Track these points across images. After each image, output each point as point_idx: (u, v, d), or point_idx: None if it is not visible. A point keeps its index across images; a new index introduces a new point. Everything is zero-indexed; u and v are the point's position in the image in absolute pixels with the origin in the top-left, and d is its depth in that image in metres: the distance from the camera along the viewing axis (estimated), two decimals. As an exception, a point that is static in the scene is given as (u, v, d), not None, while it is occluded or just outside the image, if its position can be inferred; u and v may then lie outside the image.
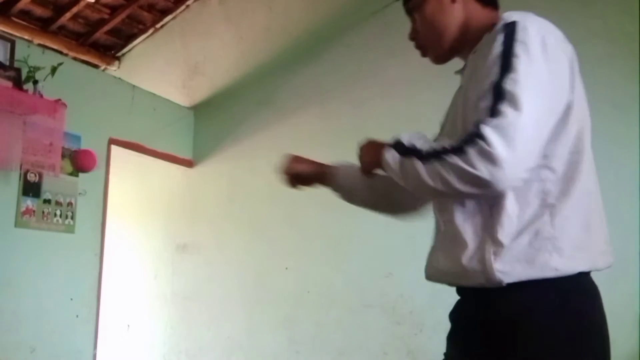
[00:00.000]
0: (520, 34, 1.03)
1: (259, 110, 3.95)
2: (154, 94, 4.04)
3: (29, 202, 3.01)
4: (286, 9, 4.01)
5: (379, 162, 1.14)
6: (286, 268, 3.65)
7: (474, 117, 1.01)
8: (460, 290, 1.18)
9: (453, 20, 1.22)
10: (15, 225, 2.95)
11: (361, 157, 1.24)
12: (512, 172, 0.96)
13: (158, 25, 4.60)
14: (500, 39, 1.04)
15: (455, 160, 0.98)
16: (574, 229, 1.04)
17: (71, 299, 3.20)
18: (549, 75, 1.02)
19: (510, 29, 1.04)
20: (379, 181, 1.33)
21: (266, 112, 3.91)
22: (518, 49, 1.01)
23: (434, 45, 1.26)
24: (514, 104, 0.96)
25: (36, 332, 2.99)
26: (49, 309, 3.07)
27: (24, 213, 2.99)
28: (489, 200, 1.05)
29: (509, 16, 1.09)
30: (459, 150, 0.98)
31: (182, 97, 4.34)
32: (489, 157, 0.94)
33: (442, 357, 1.24)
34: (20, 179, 2.98)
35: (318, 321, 3.48)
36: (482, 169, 0.95)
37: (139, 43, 4.70)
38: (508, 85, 0.98)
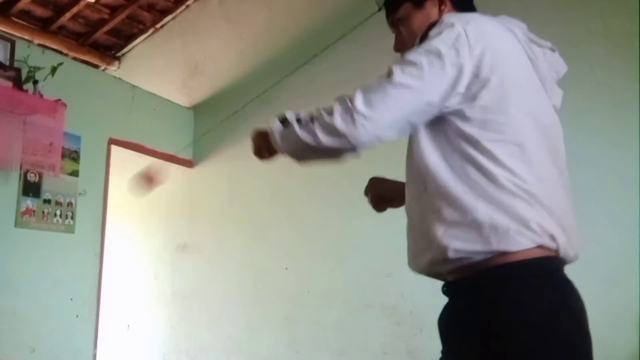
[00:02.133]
0: (436, 28, 1.13)
1: (259, 110, 3.95)
2: (154, 94, 4.04)
3: (29, 202, 3.01)
4: (286, 9, 4.01)
5: (269, 146, 1.27)
6: (286, 268, 3.65)
7: None
8: (447, 291, 1.20)
9: None
10: (15, 225, 2.95)
11: (253, 146, 1.36)
12: (366, 129, 1.08)
13: (158, 25, 4.60)
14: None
15: (324, 116, 1.13)
16: (521, 205, 1.06)
17: (71, 299, 3.20)
18: (439, 59, 1.08)
19: (432, 25, 1.16)
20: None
21: (266, 112, 3.90)
22: (427, 37, 1.13)
23: None
24: (389, 75, 1.10)
25: (36, 332, 2.99)
26: (49, 309, 3.07)
27: (24, 213, 2.99)
28: (431, 185, 1.12)
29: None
30: (329, 108, 1.13)
31: (182, 97, 4.34)
32: (349, 112, 1.09)
33: (440, 356, 1.24)
34: (20, 179, 2.98)
35: (318, 321, 3.47)
36: (340, 123, 1.09)
37: (139, 43, 4.70)
38: (393, 64, 1.11)
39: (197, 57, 4.39)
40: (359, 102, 1.09)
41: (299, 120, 1.19)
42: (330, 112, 1.12)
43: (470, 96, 1.10)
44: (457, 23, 1.11)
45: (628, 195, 2.58)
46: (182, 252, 4.14)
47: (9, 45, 3.02)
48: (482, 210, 1.06)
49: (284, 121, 1.22)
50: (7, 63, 2.96)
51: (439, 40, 1.10)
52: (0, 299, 2.86)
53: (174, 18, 4.57)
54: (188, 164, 4.22)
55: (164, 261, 4.20)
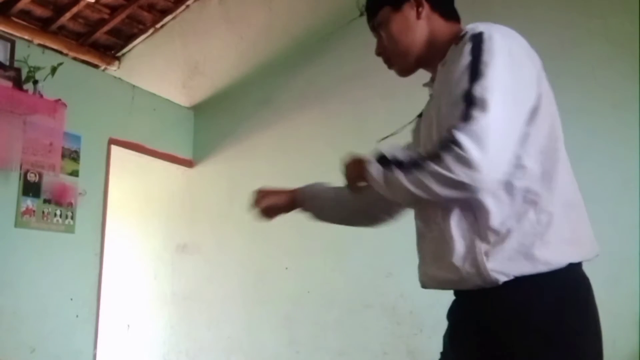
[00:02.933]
0: (487, 43, 1.07)
1: (259, 110, 3.95)
2: (154, 94, 4.04)
3: (29, 202, 3.01)
4: (286, 9, 4.01)
5: (363, 177, 1.18)
6: (286, 268, 3.65)
7: (446, 125, 1.05)
8: (457, 291, 1.19)
9: (418, 36, 1.26)
10: (15, 225, 2.95)
11: (346, 174, 1.27)
12: (488, 173, 1.00)
13: (158, 25, 4.60)
14: (468, 49, 1.08)
15: (433, 167, 1.02)
16: (559, 222, 1.07)
17: (71, 299, 3.20)
18: (514, 81, 1.06)
19: (477, 40, 1.09)
20: (353, 197, 1.40)
21: (266, 112, 3.91)
22: (485, 57, 1.06)
23: (400, 60, 1.31)
24: (484, 108, 1.00)
25: (36, 332, 2.99)
26: (49, 309, 3.07)
27: (24, 213, 2.99)
28: (471, 204, 1.08)
29: (475, 27, 1.13)
30: (435, 156, 1.03)
31: (182, 97, 4.34)
32: (465, 161, 0.99)
33: (439, 356, 1.24)
34: (20, 179, 2.98)
35: (318, 321, 3.47)
36: (460, 173, 1.00)
37: (139, 43, 4.70)
38: (477, 91, 1.02)
39: (197, 57, 4.39)
40: (471, 151, 0.99)
41: (400, 164, 1.09)
42: (441, 164, 1.02)
43: (534, 121, 1.10)
44: (505, 44, 1.09)
45: (628, 195, 2.58)
46: (182, 252, 4.14)
47: (9, 45, 3.02)
48: (517, 239, 1.06)
49: (381, 158, 1.13)
50: (7, 63, 2.96)
51: (506, 60, 1.07)
52: (0, 299, 2.86)
53: (174, 18, 4.57)
54: (188, 164, 4.22)
55: (164, 261, 4.20)
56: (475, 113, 1.00)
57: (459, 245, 1.09)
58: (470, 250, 1.07)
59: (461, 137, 0.99)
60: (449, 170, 1.00)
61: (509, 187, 1.07)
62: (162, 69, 4.53)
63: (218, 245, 3.99)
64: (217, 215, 4.04)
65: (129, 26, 4.57)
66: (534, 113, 1.09)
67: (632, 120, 2.62)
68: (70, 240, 3.21)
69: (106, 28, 4.45)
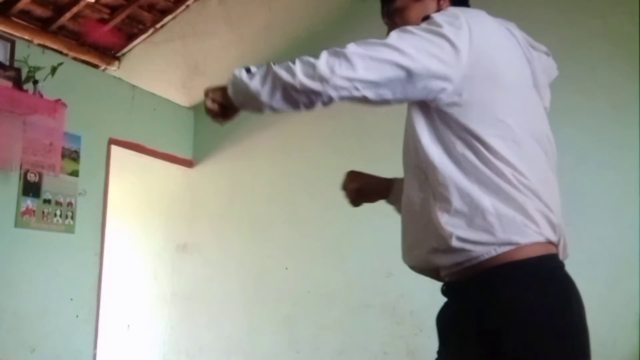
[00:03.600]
0: (439, 14, 1.14)
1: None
2: (154, 94, 4.04)
3: (29, 202, 3.01)
4: (286, 9, 4.01)
5: (227, 95, 1.25)
6: (286, 268, 3.65)
7: None
8: (444, 292, 1.20)
9: None
10: (15, 225, 2.95)
11: (208, 102, 1.31)
12: (347, 73, 1.06)
13: (158, 25, 4.60)
14: None
15: (307, 57, 1.11)
16: (509, 189, 1.08)
17: (71, 299, 3.20)
18: (440, 39, 1.08)
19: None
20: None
21: (266, 112, 3.90)
22: (430, 19, 1.12)
23: None
24: (389, 38, 1.08)
25: (36, 332, 2.99)
26: (49, 309, 3.07)
27: (24, 213, 2.99)
28: (421, 166, 1.13)
29: None
30: (315, 54, 1.11)
31: (182, 97, 4.34)
32: (335, 53, 1.08)
33: (435, 356, 1.24)
34: (20, 179, 2.98)
35: (318, 321, 3.48)
36: (322, 62, 1.07)
37: (139, 43, 4.70)
38: (398, 29, 1.10)
39: (197, 57, 4.39)
40: (349, 48, 1.08)
41: (275, 64, 1.17)
42: (316, 55, 1.11)
43: (469, 89, 1.09)
44: (461, 15, 1.12)
45: (628, 195, 2.58)
46: (182, 252, 4.14)
47: (9, 45, 3.02)
48: (487, 200, 1.06)
49: (249, 70, 1.21)
50: (7, 63, 2.96)
51: (443, 24, 1.09)
52: (0, 299, 2.86)
53: (174, 18, 4.56)
54: (188, 164, 4.22)
55: (164, 261, 4.20)
56: (376, 40, 1.09)
57: (417, 206, 1.15)
58: (425, 207, 1.12)
59: (350, 44, 1.09)
60: (319, 59, 1.08)
61: (451, 140, 1.10)
62: (162, 69, 4.53)
63: (218, 245, 3.99)
64: (217, 215, 4.04)
65: (129, 26, 4.57)
66: (462, 83, 1.09)
67: (632, 120, 2.62)
68: (70, 240, 3.21)
69: (106, 28, 4.44)
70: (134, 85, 3.88)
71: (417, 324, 3.10)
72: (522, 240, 1.05)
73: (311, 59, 1.10)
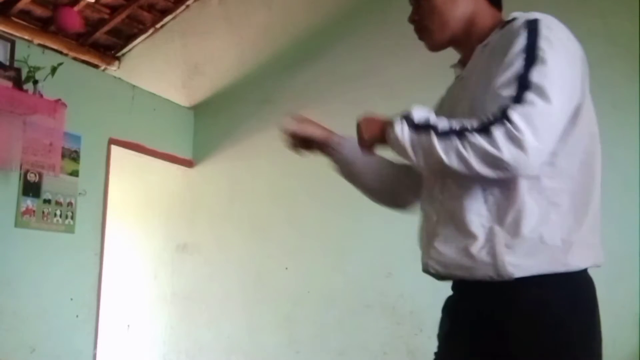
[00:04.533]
0: (544, 31, 1.04)
1: (259, 110, 3.95)
2: (154, 94, 4.04)
3: (29, 202, 3.01)
4: (286, 9, 4.01)
5: (382, 138, 1.11)
6: (286, 268, 3.65)
7: (494, 104, 1.00)
8: (459, 287, 1.18)
9: (461, 12, 1.22)
10: (15, 225, 2.95)
11: (361, 132, 1.17)
12: (534, 160, 0.96)
13: (158, 25, 4.60)
14: (524, 33, 1.05)
15: (479, 139, 0.97)
16: (582, 226, 1.06)
17: (71, 299, 3.20)
18: (570, 74, 1.04)
19: (534, 25, 1.06)
20: (385, 166, 1.34)
21: (266, 112, 3.91)
22: (543, 44, 1.02)
23: (435, 32, 1.25)
24: (542, 95, 0.97)
25: (36, 332, 2.99)
26: (49, 309, 3.07)
27: (24, 213, 2.99)
28: (495, 190, 1.05)
29: (528, 14, 1.10)
30: (483, 130, 0.97)
31: (182, 97, 4.34)
32: (516, 142, 0.94)
33: (433, 356, 1.23)
34: (20, 179, 2.98)
35: (318, 321, 3.47)
36: (506, 152, 0.95)
37: (139, 43, 4.70)
38: (535, 77, 0.98)
39: (197, 57, 4.39)
40: (523, 128, 0.94)
41: (434, 129, 1.02)
42: (490, 139, 0.96)
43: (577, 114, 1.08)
44: (562, 28, 1.10)
45: (628, 195, 2.58)
46: (182, 252, 4.14)
47: (9, 45, 3.02)
48: (558, 237, 1.04)
49: (409, 120, 1.06)
50: (7, 63, 2.96)
51: (563, 48, 1.05)
52: (0, 299, 2.86)
53: (174, 18, 4.56)
54: (188, 164, 4.22)
55: (164, 261, 4.20)
56: (532, 98, 0.96)
57: (477, 231, 1.06)
58: (490, 238, 1.04)
59: (516, 117, 0.95)
60: (496, 146, 0.95)
61: (537, 182, 1.04)
62: (162, 69, 4.53)
63: (218, 245, 3.99)
64: (217, 215, 4.04)
65: (129, 26, 4.57)
66: (577, 112, 1.07)
67: (632, 120, 2.62)
68: (70, 240, 3.21)
69: (106, 28, 4.44)
70: (134, 85, 3.88)
71: (417, 324, 3.10)
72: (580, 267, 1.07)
73: (486, 144, 0.96)
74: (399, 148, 1.07)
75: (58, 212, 3.15)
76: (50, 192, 3.12)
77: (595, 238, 1.10)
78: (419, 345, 3.06)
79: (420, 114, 1.06)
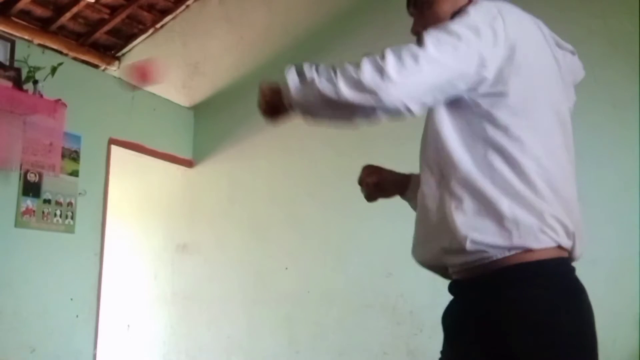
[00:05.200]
0: (469, 8, 1.12)
1: (259, 110, 3.95)
2: (154, 94, 4.04)
3: (29, 202, 3.01)
4: (286, 9, 4.01)
5: (278, 95, 1.17)
6: (286, 268, 3.65)
7: None
8: (452, 290, 1.19)
9: None
10: (15, 225, 2.95)
11: (261, 98, 1.25)
12: (396, 90, 1.03)
13: (158, 25, 4.60)
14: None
15: (348, 67, 1.07)
16: (538, 195, 1.06)
17: (71, 299, 3.20)
18: (470, 37, 1.06)
19: (466, 7, 1.16)
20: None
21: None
22: (458, 17, 1.10)
23: None
24: (422, 42, 1.05)
25: (36, 332, 2.99)
26: (49, 309, 3.07)
27: (24, 213, 2.99)
28: (440, 161, 1.12)
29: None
30: (355, 63, 1.07)
31: (182, 97, 4.34)
32: (379, 69, 1.03)
33: (439, 356, 1.24)
34: (20, 179, 2.98)
35: (318, 321, 3.48)
36: (369, 78, 1.03)
37: (139, 43, 4.70)
38: (428, 32, 1.08)
39: (197, 57, 4.39)
40: (390, 64, 1.03)
41: (318, 72, 1.11)
42: (357, 67, 1.06)
43: (502, 80, 1.08)
44: (494, 6, 1.12)
45: (628, 195, 2.58)
46: (182, 252, 4.14)
47: (9, 45, 3.02)
48: (505, 204, 1.05)
49: (301, 74, 1.14)
50: (7, 63, 2.96)
51: (476, 18, 1.08)
52: (0, 299, 2.86)
53: (174, 18, 4.57)
54: (188, 164, 4.22)
55: (164, 261, 4.20)
56: (414, 47, 1.05)
57: (432, 203, 1.13)
58: (440, 206, 1.11)
59: (388, 51, 1.05)
60: (360, 71, 1.04)
61: (473, 139, 1.09)
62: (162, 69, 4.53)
63: (218, 245, 3.99)
64: (217, 215, 4.04)
65: (129, 26, 4.57)
66: (498, 74, 1.08)
67: (632, 120, 2.62)
68: (70, 240, 3.21)
69: (106, 28, 4.44)
70: (134, 85, 3.88)
71: (417, 324, 3.10)
72: (537, 245, 1.04)
73: (352, 71, 1.06)
74: (288, 95, 1.14)
75: (58, 212, 3.15)
76: (50, 192, 3.12)
77: (558, 211, 1.07)
78: (419, 345, 3.06)
79: (306, 65, 1.14)
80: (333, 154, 3.55)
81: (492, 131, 1.08)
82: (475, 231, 1.05)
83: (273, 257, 3.71)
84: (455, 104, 1.12)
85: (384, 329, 3.22)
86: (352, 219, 3.35)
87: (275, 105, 1.22)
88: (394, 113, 1.07)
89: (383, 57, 1.04)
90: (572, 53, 1.31)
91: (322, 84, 1.08)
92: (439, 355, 1.24)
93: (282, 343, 3.59)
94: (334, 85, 1.06)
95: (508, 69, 1.08)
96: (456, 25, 1.07)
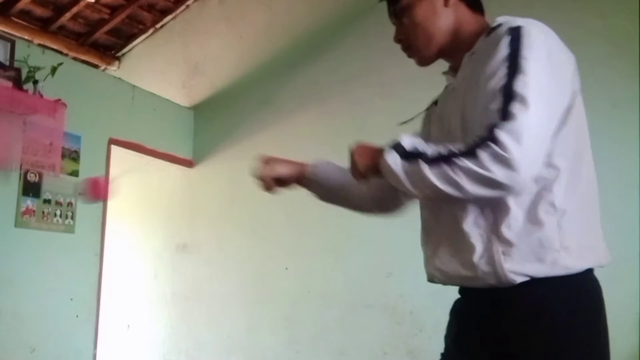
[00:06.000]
0: (526, 38, 1.03)
1: (259, 110, 3.95)
2: (154, 94, 4.04)
3: (29, 202, 3.01)
4: (286, 9, 4.01)
5: (375, 167, 1.10)
6: (286, 268, 3.65)
7: (483, 120, 1.00)
8: (466, 290, 1.18)
9: (444, 24, 1.21)
10: (15, 225, 2.95)
11: (354, 162, 1.17)
12: (525, 173, 0.96)
13: (158, 25, 4.60)
14: (505, 41, 1.04)
15: (467, 163, 0.97)
16: (579, 228, 1.05)
17: (71, 299, 3.20)
18: (553, 79, 1.03)
19: (516, 33, 1.05)
20: (361, 185, 1.33)
21: (266, 112, 3.91)
22: (525, 51, 1.02)
23: (422, 48, 1.24)
24: (524, 105, 0.96)
25: (36, 332, 2.99)
26: (49, 309, 3.07)
27: (24, 213, 2.99)
28: (490, 201, 1.05)
29: (510, 20, 1.09)
30: (469, 153, 0.97)
31: (182, 97, 4.34)
32: (504, 161, 0.95)
33: (439, 357, 1.23)
34: (20, 179, 2.98)
35: (318, 321, 3.47)
36: (497, 172, 0.95)
37: (139, 43, 4.70)
38: (518, 87, 0.98)
39: (197, 57, 4.39)
40: (512, 151, 0.94)
41: (424, 157, 1.02)
42: (477, 161, 0.96)
43: (564, 119, 1.07)
44: (545, 32, 1.08)
45: (628, 195, 2.58)
46: (182, 252, 4.14)
47: (9, 45, 3.02)
48: (557, 241, 1.03)
49: (399, 148, 1.06)
50: (7, 63, 2.96)
51: (540, 43, 1.04)
52: (0, 299, 2.86)
53: (174, 18, 4.57)
54: (188, 164, 4.22)
55: (164, 261, 4.20)
56: (515, 110, 0.96)
57: (476, 242, 1.07)
58: (488, 248, 1.05)
59: (501, 135, 0.95)
60: (486, 168, 0.95)
61: (532, 187, 1.04)
62: (162, 69, 4.53)
63: (218, 245, 3.99)
64: (217, 215, 4.04)
65: (129, 26, 4.57)
66: (567, 112, 1.07)
67: (631, 119, 2.62)
68: (70, 240, 3.21)
69: (106, 28, 4.45)
70: (134, 85, 3.88)
71: (417, 324, 3.10)
72: (578, 269, 1.06)
73: (475, 167, 0.97)
74: (393, 177, 1.06)
75: (58, 212, 3.15)
76: (50, 192, 3.12)
77: (595, 238, 1.09)
78: (419, 345, 3.06)
79: (408, 141, 1.06)
80: (333, 154, 3.54)
81: (549, 175, 1.05)
82: (524, 276, 1.03)
83: (273, 257, 3.71)
84: None
85: (384, 329, 3.22)
86: (352, 219, 3.32)
87: (371, 170, 1.14)
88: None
89: (497, 142, 0.95)
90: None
91: (440, 184, 1.00)
92: (439, 356, 1.23)
93: (282, 343, 3.59)
94: (456, 185, 0.98)
95: (572, 110, 1.08)
96: (539, 69, 1.01)
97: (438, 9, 1.21)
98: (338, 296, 3.41)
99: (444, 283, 1.16)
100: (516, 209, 1.04)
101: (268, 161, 1.44)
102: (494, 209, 1.06)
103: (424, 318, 3.05)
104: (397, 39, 1.29)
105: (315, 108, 3.70)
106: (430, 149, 1.03)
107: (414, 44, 1.25)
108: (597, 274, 1.10)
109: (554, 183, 1.05)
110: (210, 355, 3.88)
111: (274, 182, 1.44)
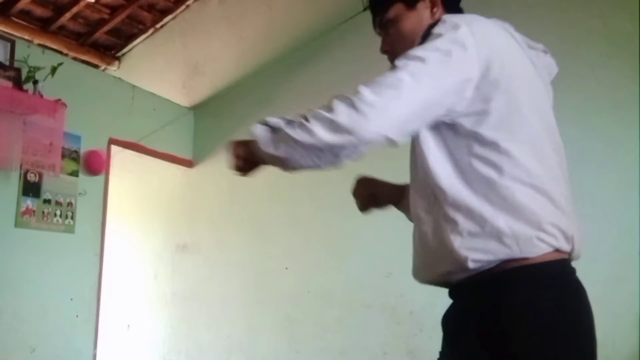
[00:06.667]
0: (436, 29, 1.10)
1: (259, 110, 3.95)
2: (154, 94, 4.04)
3: (29, 202, 3.01)
4: (286, 9, 4.01)
5: (250, 152, 1.16)
6: (286, 268, 3.65)
7: None
8: (452, 294, 1.19)
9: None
10: (15, 225, 2.95)
11: (232, 157, 1.22)
12: (375, 122, 1.01)
13: (158, 25, 4.60)
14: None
15: (320, 111, 1.05)
16: (522, 201, 1.06)
17: (71, 299, 3.20)
18: (444, 59, 1.05)
19: (433, 26, 1.13)
20: None
21: (266, 112, 3.89)
22: (430, 39, 1.09)
23: None
24: (396, 71, 1.04)
25: (36, 332, 2.99)
26: (49, 309, 3.07)
27: (24, 213, 2.99)
28: (429, 183, 1.10)
29: (444, 17, 1.16)
30: (326, 105, 1.05)
31: (182, 97, 4.34)
32: (353, 106, 1.02)
33: (438, 356, 1.24)
34: (20, 179, 2.98)
35: (318, 321, 3.47)
36: (342, 116, 1.02)
37: (139, 43, 4.70)
38: (400, 60, 1.06)
39: (197, 57, 4.39)
40: (363, 99, 1.01)
41: (288, 122, 1.10)
42: (329, 108, 1.04)
43: (482, 98, 1.08)
44: (462, 23, 1.10)
45: (628, 195, 2.58)
46: (182, 252, 4.14)
47: (9, 45, 3.02)
48: (502, 221, 1.04)
49: (269, 127, 1.14)
50: (7, 63, 2.96)
51: (446, 39, 1.07)
52: (0, 299, 2.86)
53: (174, 18, 4.57)
54: (188, 164, 4.22)
55: (164, 261, 4.20)
56: (387, 73, 1.05)
57: (428, 227, 1.12)
58: (437, 230, 1.10)
59: (363, 88, 1.03)
60: (334, 113, 1.02)
61: (461, 159, 1.08)
62: (162, 69, 4.53)
63: (218, 245, 3.99)
64: (217, 215, 4.04)
65: (129, 26, 4.57)
66: (476, 92, 1.07)
67: (632, 120, 2.62)
68: (70, 240, 3.21)
69: (106, 28, 4.45)
70: (134, 85, 3.88)
71: (417, 324, 3.10)
72: (538, 252, 1.05)
73: (326, 113, 1.04)
74: (268, 154, 1.11)
75: (58, 212, 3.15)
76: (50, 192, 3.12)
77: (555, 218, 1.07)
78: (419, 345, 3.06)
79: (273, 119, 1.13)
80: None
81: (479, 149, 1.08)
82: (475, 251, 1.05)
83: (273, 257, 3.71)
84: (439, 127, 1.11)
85: (384, 329, 3.22)
86: (352, 219, 3.32)
87: (250, 160, 1.20)
88: (376, 144, 1.05)
89: (356, 92, 1.03)
90: (545, 52, 1.31)
91: (297, 134, 1.06)
92: (438, 356, 1.24)
93: (282, 343, 3.59)
94: (309, 132, 1.05)
95: (486, 86, 1.08)
96: (428, 50, 1.06)
97: (425, 21, 1.23)
98: (338, 296, 3.41)
99: (422, 280, 1.23)
100: (456, 187, 1.07)
101: (364, 182, 1.46)
102: (433, 189, 1.11)
103: (424, 318, 3.05)
104: (384, 50, 1.31)
105: (315, 108, 3.70)
106: (291, 117, 1.11)
107: (399, 55, 1.26)
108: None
109: (491, 155, 1.07)
110: (210, 356, 3.87)
111: (369, 202, 1.46)
